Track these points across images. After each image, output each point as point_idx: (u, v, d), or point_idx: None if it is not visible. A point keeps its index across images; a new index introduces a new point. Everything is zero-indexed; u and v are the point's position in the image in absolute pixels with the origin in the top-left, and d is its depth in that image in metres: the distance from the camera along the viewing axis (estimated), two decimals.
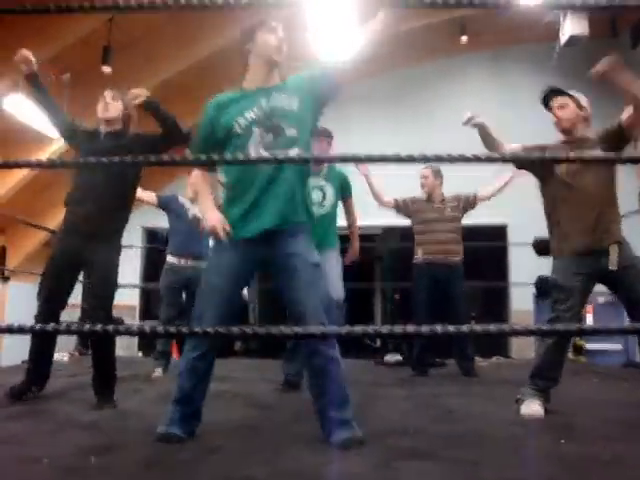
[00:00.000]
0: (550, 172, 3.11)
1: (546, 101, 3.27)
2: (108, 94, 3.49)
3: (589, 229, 3.00)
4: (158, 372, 4.69)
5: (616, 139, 3.02)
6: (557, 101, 3.21)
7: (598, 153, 3.01)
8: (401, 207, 5.08)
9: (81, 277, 3.44)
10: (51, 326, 1.84)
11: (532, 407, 2.95)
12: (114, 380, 3.34)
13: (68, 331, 1.82)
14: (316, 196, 3.87)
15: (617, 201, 3.10)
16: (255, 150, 2.37)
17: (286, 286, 2.39)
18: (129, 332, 1.67)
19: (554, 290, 3.06)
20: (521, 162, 3.16)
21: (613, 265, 2.95)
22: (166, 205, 4.83)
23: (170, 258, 4.77)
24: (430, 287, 4.84)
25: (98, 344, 3.29)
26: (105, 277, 3.27)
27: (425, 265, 4.89)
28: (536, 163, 3.09)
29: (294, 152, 2.36)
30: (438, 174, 5.03)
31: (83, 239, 3.23)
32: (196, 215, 4.66)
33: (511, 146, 3.27)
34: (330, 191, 3.93)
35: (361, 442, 2.27)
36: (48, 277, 3.35)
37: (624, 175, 3.18)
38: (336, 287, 3.82)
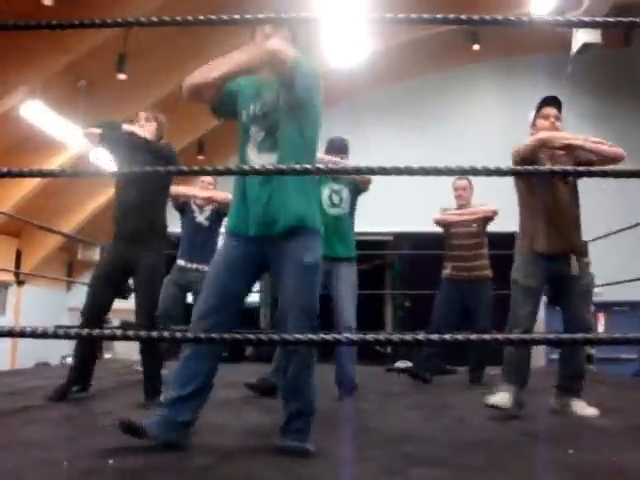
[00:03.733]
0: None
1: (544, 104, 3.34)
2: (142, 115, 3.64)
3: (562, 233, 3.19)
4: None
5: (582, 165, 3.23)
6: (554, 111, 3.30)
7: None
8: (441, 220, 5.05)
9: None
10: (73, 331, 1.88)
11: (497, 397, 3.09)
12: (159, 381, 3.44)
13: (77, 336, 1.86)
14: (335, 199, 3.95)
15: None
16: (251, 150, 2.40)
17: (277, 287, 2.43)
18: (137, 337, 1.71)
19: (514, 290, 3.22)
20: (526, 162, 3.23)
21: (575, 271, 3.15)
22: (182, 208, 4.90)
23: (179, 260, 4.85)
24: (453, 302, 4.82)
25: (143, 346, 3.47)
26: (148, 283, 3.47)
27: (452, 281, 4.87)
28: (534, 162, 3.18)
29: (276, 154, 2.34)
30: (471, 185, 4.98)
31: (130, 248, 3.45)
32: (202, 223, 4.79)
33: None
34: (346, 194, 3.97)
35: (306, 454, 2.26)
36: (95, 281, 3.55)
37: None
38: (346, 314, 3.79)
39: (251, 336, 1.50)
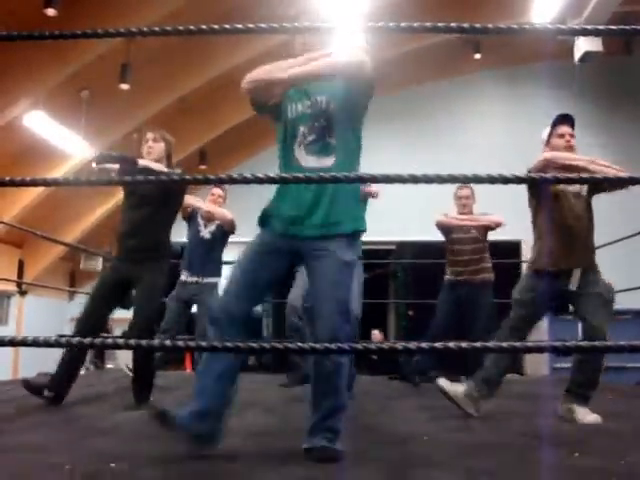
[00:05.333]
0: (553, 192, 3.24)
1: (558, 122, 3.34)
2: (150, 135, 3.64)
3: (572, 250, 3.20)
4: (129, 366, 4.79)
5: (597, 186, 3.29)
6: (569, 129, 3.31)
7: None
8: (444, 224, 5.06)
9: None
10: (64, 340, 1.88)
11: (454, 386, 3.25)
12: (150, 385, 3.50)
13: (81, 344, 1.85)
14: None
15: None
16: (298, 150, 2.36)
17: (311, 283, 2.39)
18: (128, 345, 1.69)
19: (515, 306, 3.27)
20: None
21: (573, 286, 3.17)
22: (190, 217, 4.89)
23: (182, 274, 4.84)
24: (452, 307, 4.84)
25: (136, 353, 3.51)
26: (146, 297, 3.47)
27: (452, 285, 4.90)
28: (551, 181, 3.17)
29: (331, 159, 2.33)
30: (474, 194, 5.01)
31: (133, 266, 3.46)
32: (205, 237, 4.79)
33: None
34: None
35: (335, 458, 2.19)
36: (96, 294, 3.54)
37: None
38: (354, 303, 3.82)
39: (254, 345, 1.50)
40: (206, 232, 4.81)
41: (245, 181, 1.52)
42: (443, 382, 3.23)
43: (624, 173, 3.04)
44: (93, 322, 3.48)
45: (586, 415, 3.08)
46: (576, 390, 3.16)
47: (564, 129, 3.30)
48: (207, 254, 4.78)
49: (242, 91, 2.39)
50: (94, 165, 3.42)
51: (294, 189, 2.34)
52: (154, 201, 3.45)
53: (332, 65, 2.38)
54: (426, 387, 4.65)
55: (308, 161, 2.33)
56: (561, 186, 3.24)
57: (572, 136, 3.30)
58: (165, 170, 3.56)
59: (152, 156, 3.60)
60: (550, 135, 3.34)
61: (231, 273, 2.43)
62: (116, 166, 3.46)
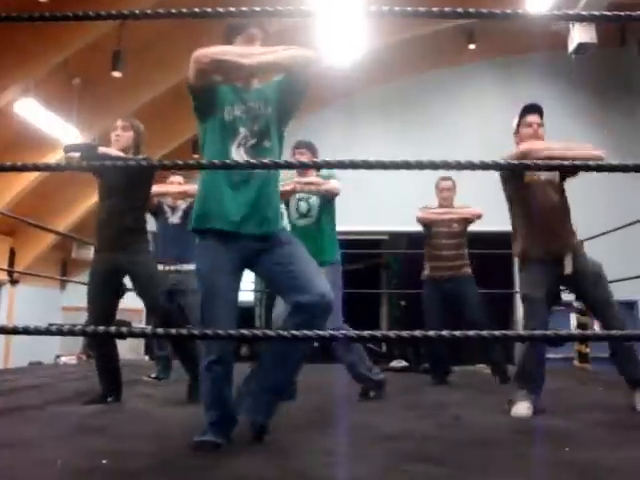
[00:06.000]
0: (526, 182, 3.28)
1: (526, 112, 3.38)
2: (119, 123, 3.64)
3: (554, 237, 3.25)
4: (152, 376, 4.77)
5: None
6: (536, 118, 3.35)
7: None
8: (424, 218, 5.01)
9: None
10: (54, 327, 1.86)
11: (521, 408, 3.10)
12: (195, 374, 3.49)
13: (72, 332, 1.84)
14: (302, 207, 3.78)
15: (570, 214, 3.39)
16: (237, 150, 2.38)
17: (284, 270, 2.38)
18: (134, 334, 1.69)
19: (524, 303, 3.27)
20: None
21: (568, 270, 3.21)
22: (156, 211, 4.84)
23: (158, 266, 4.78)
24: (441, 307, 4.81)
25: (177, 345, 3.62)
26: (151, 286, 3.50)
27: (432, 281, 4.85)
28: (517, 171, 3.24)
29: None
30: (455, 186, 4.97)
31: (119, 256, 3.45)
32: (175, 222, 4.79)
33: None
34: (315, 200, 3.78)
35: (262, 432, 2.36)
36: (93, 299, 3.51)
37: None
38: (335, 318, 3.77)
39: (246, 332, 1.49)
40: (175, 218, 4.78)
41: (212, 167, 1.50)
42: (516, 410, 3.13)
43: (598, 152, 3.11)
44: (105, 318, 3.43)
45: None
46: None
47: (532, 118, 3.35)
48: (180, 239, 4.68)
49: (196, 66, 2.33)
50: (64, 154, 3.43)
51: (233, 190, 2.36)
52: (121, 190, 3.45)
53: (294, 56, 2.38)
54: (415, 384, 4.66)
55: (244, 159, 2.36)
56: (533, 175, 3.28)
57: (540, 125, 3.34)
58: (123, 156, 3.53)
59: (119, 145, 3.58)
60: (518, 125, 3.39)
61: (206, 301, 2.40)
62: (76, 154, 3.40)
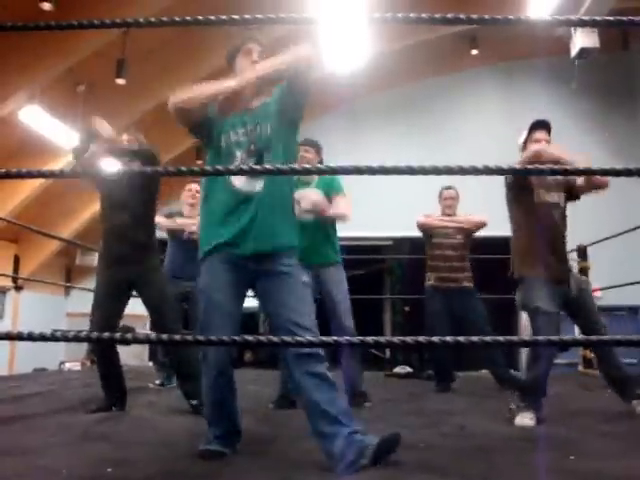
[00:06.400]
0: (535, 202, 3.33)
1: (534, 129, 3.40)
2: (125, 138, 3.67)
3: (558, 257, 3.31)
4: (156, 382, 4.76)
5: (572, 193, 3.46)
6: (545, 135, 3.37)
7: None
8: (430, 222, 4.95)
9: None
10: (59, 334, 1.87)
11: (524, 419, 3.09)
12: (197, 383, 3.47)
13: (77, 338, 1.85)
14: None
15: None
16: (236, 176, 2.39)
17: (275, 300, 2.37)
18: (138, 340, 1.69)
19: (535, 318, 3.23)
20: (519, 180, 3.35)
21: (574, 292, 3.28)
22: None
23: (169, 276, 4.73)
24: (442, 309, 4.75)
25: (174, 352, 3.52)
26: (162, 299, 3.49)
27: (437, 291, 4.79)
28: (527, 188, 3.31)
29: (263, 180, 2.37)
30: (458, 196, 4.94)
31: (130, 269, 3.43)
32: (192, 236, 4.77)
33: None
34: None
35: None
36: (99, 307, 3.50)
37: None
38: (345, 324, 3.73)
39: (250, 338, 1.49)
40: (194, 227, 4.67)
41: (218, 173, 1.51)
42: (518, 420, 3.13)
43: (605, 179, 3.23)
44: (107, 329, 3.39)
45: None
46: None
47: (540, 135, 3.37)
48: (194, 254, 4.72)
49: (183, 112, 2.39)
50: (72, 158, 3.43)
51: (229, 213, 2.38)
52: (130, 200, 3.41)
53: (282, 61, 2.38)
54: (419, 391, 4.63)
55: (250, 184, 2.37)
56: (541, 196, 3.34)
57: (547, 142, 3.36)
58: (137, 146, 3.56)
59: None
60: (526, 141, 3.42)
61: (204, 314, 2.42)
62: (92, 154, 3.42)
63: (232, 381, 2.45)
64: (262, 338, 1.45)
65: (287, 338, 1.56)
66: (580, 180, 3.39)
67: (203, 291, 2.46)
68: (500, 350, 4.81)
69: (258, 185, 2.37)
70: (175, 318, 3.55)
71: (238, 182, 2.37)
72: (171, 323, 3.43)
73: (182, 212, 4.97)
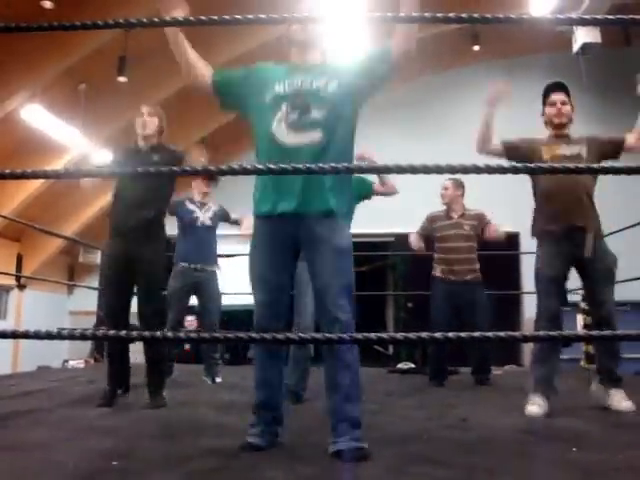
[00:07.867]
0: (538, 160, 3.20)
1: (549, 91, 3.34)
2: (145, 110, 3.61)
3: (574, 214, 3.14)
4: None
5: (615, 151, 3.29)
6: (560, 96, 3.29)
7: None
8: (426, 229, 5.01)
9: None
10: (65, 332, 1.88)
11: (534, 405, 3.12)
12: (164, 380, 3.55)
13: (83, 336, 1.86)
14: None
15: (594, 201, 3.26)
16: (278, 125, 2.33)
17: (311, 271, 2.36)
18: (141, 338, 1.70)
19: (540, 281, 3.18)
20: (512, 154, 3.28)
21: (588, 253, 3.11)
22: (174, 210, 4.81)
23: (181, 263, 4.76)
24: (447, 304, 4.77)
25: (149, 345, 3.49)
26: (150, 275, 3.48)
27: (444, 282, 4.82)
28: (524, 154, 3.21)
29: (316, 134, 2.30)
30: (459, 186, 4.94)
31: (131, 244, 3.43)
32: (206, 223, 4.79)
33: (505, 139, 3.38)
34: None
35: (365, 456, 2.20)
36: (107, 293, 3.56)
37: None
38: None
39: (255, 336, 1.50)
40: (205, 218, 4.80)
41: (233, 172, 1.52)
42: (528, 409, 3.14)
43: None
44: (120, 311, 3.46)
45: (621, 401, 3.13)
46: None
47: (554, 97, 3.31)
48: (208, 241, 4.78)
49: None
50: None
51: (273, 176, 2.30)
52: (147, 180, 3.42)
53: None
54: (422, 386, 4.64)
55: (296, 137, 2.30)
56: (554, 150, 3.23)
57: (564, 103, 3.29)
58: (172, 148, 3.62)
59: (147, 130, 3.57)
60: (543, 105, 3.35)
61: (254, 280, 2.41)
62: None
63: (280, 370, 2.46)
64: (267, 335, 1.46)
65: (292, 335, 1.57)
66: (632, 138, 3.26)
67: (250, 255, 2.45)
68: (489, 348, 4.83)
69: (315, 136, 2.31)
70: (156, 309, 3.50)
71: (282, 134, 2.32)
72: (150, 315, 3.42)
73: (191, 197, 4.95)
